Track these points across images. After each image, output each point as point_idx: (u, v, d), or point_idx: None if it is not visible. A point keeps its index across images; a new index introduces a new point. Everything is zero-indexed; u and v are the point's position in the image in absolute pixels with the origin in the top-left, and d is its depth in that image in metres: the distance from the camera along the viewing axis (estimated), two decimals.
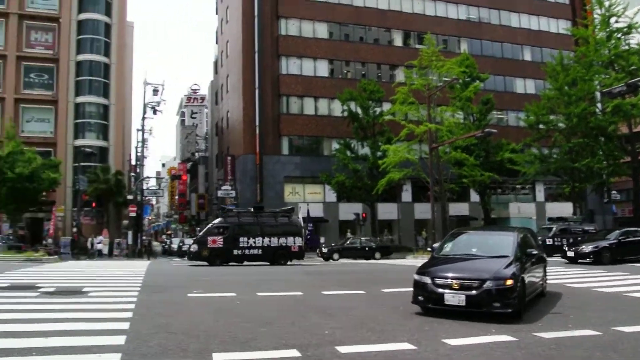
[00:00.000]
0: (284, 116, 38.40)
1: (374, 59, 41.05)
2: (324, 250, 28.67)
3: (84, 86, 43.40)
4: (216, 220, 24.59)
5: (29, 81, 42.88)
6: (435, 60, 30.60)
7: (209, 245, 22.61)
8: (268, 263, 23.02)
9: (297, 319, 8.23)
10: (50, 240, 35.30)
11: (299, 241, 23.69)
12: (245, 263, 23.00)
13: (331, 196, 37.51)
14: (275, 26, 39.11)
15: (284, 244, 23.36)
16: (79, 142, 42.38)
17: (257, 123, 37.20)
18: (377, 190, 31.51)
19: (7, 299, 9.85)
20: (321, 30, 40.30)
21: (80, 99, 43.11)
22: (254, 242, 22.89)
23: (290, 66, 39.16)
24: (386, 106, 35.26)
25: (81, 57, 43.45)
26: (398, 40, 42.49)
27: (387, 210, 37.41)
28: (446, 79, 30.46)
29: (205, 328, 7.35)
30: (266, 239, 23.05)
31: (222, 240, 22.63)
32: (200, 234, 25.04)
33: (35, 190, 33.55)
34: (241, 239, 22.81)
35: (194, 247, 23.20)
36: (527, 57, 45.48)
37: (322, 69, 39.91)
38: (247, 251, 22.80)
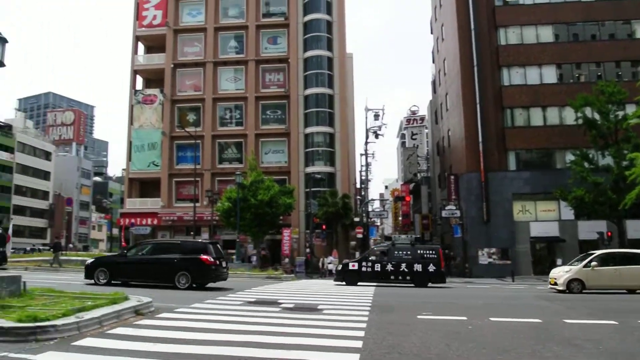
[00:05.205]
0: (509, 130, 36.22)
1: (611, 57, 36.46)
2: None
3: (312, 118, 46.91)
4: None
5: (265, 118, 48.00)
6: None
7: None
8: None
9: (536, 348, 7.31)
10: (287, 260, 38.49)
11: None
12: None
13: (568, 213, 33.95)
14: (494, 36, 37.39)
15: None
16: (309, 169, 45.74)
17: (480, 139, 35.73)
18: (624, 205, 27.48)
19: (254, 313, 10.65)
20: (545, 34, 37.30)
21: (309, 130, 46.68)
22: None
23: (513, 76, 36.93)
24: (630, 108, 30.80)
25: (308, 91, 47.17)
26: None
27: (638, 228, 32.50)
28: None
29: (437, 352, 6.94)
30: None
31: None
32: None
33: (273, 214, 37.02)
34: None
35: None
36: None
37: (550, 75, 36.79)
38: None
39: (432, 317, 10.67)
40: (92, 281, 17.19)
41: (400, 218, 66.31)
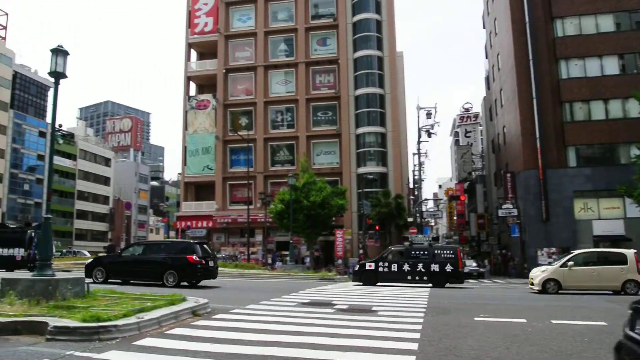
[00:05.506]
0: (568, 124, 34.93)
1: None
2: None
3: (363, 118, 46.76)
4: None
5: (317, 119, 48.20)
6: None
7: None
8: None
9: (601, 352, 7.00)
10: (340, 261, 38.48)
11: (22, 251, 24.93)
12: None
13: (634, 211, 32.36)
14: (550, 28, 36.16)
15: (11, 254, 25.05)
16: (361, 169, 45.59)
17: (537, 135, 34.63)
18: None
19: (308, 314, 10.67)
20: (606, 23, 35.76)
21: (360, 130, 46.53)
22: None
23: (572, 69, 35.60)
24: None
25: (359, 92, 47.04)
26: None
27: None
28: None
29: (495, 355, 6.72)
30: (3, 249, 24.93)
31: None
32: None
33: (326, 215, 37.09)
34: None
35: None
36: None
37: (611, 66, 35.22)
38: None
39: (490, 319, 10.39)
40: (92, 280, 18.01)
41: (455, 218, 65.21)
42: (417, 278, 21.32)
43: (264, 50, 49.67)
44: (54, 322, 7.26)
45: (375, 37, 47.89)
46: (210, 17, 51.71)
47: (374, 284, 21.29)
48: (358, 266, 23.20)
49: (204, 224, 47.44)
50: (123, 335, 7.24)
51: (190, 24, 52.57)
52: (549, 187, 34.29)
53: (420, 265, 21.30)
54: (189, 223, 47.58)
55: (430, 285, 21.05)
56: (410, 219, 42.52)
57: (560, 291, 18.35)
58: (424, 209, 50.51)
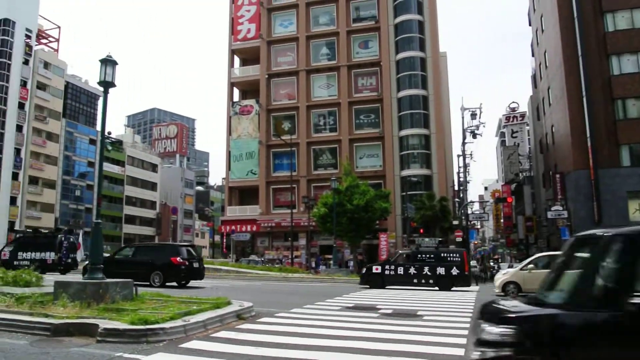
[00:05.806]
0: (621, 122, 33.59)
1: None
2: None
3: (406, 120, 46.34)
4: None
5: (359, 122, 48.08)
6: None
7: None
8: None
9: None
10: None
11: (52, 255, 26.43)
12: None
13: None
14: (600, 23, 34.90)
15: (43, 257, 26.48)
16: (405, 172, 45.16)
17: (587, 134, 33.47)
18: None
19: (353, 318, 10.59)
20: None
21: (403, 132, 46.13)
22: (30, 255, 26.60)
23: (624, 64, 34.22)
24: None
25: (401, 94, 46.66)
26: None
27: None
28: None
29: None
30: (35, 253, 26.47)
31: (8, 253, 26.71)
32: None
33: (369, 219, 36.84)
34: (19, 254, 26.46)
35: None
36: None
37: None
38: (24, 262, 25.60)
39: None
40: None
41: (501, 220, 63.73)
42: (423, 281, 21.12)
43: (305, 54, 49.93)
44: (104, 324, 7.45)
45: (417, 38, 47.43)
46: (252, 24, 52.39)
47: (382, 287, 21.09)
48: (365, 269, 23.00)
49: (248, 228, 47.96)
50: (170, 338, 7.36)
51: (233, 31, 53.38)
52: (601, 188, 33.04)
53: (426, 269, 21.08)
54: (233, 227, 48.18)
55: (437, 288, 20.86)
56: (455, 222, 41.73)
57: (520, 294, 17.85)
58: (469, 211, 49.51)
